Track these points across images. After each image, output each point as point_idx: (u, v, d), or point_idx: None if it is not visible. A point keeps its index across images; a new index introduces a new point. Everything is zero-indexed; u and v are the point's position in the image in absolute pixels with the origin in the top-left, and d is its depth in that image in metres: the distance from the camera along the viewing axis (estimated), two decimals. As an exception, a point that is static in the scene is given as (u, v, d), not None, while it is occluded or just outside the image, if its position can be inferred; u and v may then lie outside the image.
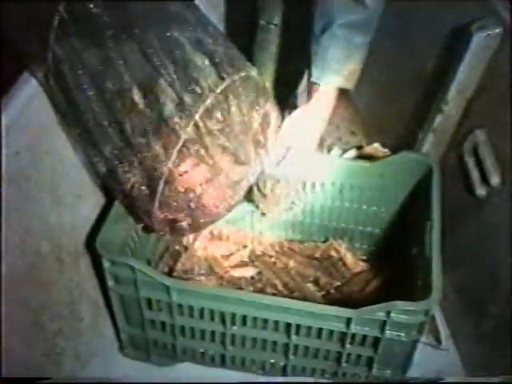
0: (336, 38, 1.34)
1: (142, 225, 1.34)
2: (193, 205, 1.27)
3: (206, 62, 1.21)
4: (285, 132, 1.40)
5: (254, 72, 1.28)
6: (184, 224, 1.30)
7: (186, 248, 1.67)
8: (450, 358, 1.55)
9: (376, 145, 1.92)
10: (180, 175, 1.21)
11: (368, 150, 1.93)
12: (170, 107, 1.17)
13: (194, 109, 1.17)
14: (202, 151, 1.20)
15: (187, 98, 1.17)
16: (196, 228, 1.35)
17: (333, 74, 1.37)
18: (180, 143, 1.18)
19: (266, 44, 1.75)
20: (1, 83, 1.20)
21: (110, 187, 1.32)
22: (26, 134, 1.15)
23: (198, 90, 1.18)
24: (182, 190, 1.24)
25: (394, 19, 1.69)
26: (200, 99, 1.18)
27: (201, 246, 1.66)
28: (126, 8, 1.19)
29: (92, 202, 1.41)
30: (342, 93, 1.43)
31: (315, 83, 1.39)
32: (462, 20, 1.47)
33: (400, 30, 1.43)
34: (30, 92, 1.17)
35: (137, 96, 1.18)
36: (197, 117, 1.17)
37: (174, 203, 1.25)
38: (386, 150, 1.88)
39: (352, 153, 1.96)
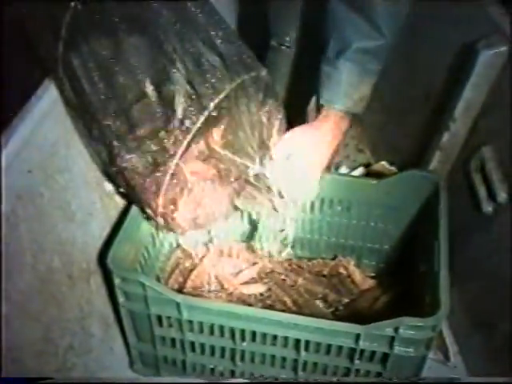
0: (351, 62, 1.34)
1: (145, 216, 1.38)
2: (197, 200, 1.28)
3: (218, 60, 1.22)
4: (289, 150, 1.40)
5: (264, 72, 1.30)
6: (187, 219, 1.32)
7: (195, 265, 1.67)
8: (459, 375, 1.55)
9: (383, 162, 1.94)
10: (188, 169, 1.24)
11: (376, 167, 1.96)
12: (181, 102, 1.19)
13: (204, 105, 1.19)
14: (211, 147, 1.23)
15: (198, 95, 1.19)
16: (199, 225, 1.37)
17: (344, 97, 1.37)
18: (189, 138, 1.19)
19: (276, 65, 1.76)
20: (13, 103, 1.22)
21: (115, 180, 1.35)
22: (39, 152, 1.17)
23: (209, 88, 1.19)
24: (188, 185, 1.27)
25: (401, 37, 1.71)
26: (211, 96, 1.19)
27: (210, 263, 1.67)
28: (141, 2, 1.20)
29: (102, 219, 1.43)
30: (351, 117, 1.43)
31: (324, 106, 1.39)
32: (469, 38, 1.49)
33: (407, 48, 1.45)
34: (42, 111, 1.19)
35: (148, 89, 1.20)
36: (206, 113, 1.19)
37: (179, 198, 1.27)
38: (393, 168, 1.90)
39: (360, 170, 1.98)
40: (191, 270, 1.66)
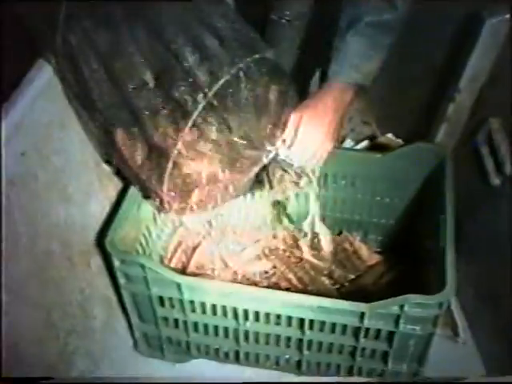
0: (361, 36, 1.31)
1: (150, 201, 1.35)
2: (202, 185, 1.27)
3: (217, 44, 1.20)
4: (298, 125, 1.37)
5: (269, 53, 1.27)
6: (192, 203, 1.30)
7: (198, 244, 1.65)
8: (469, 351, 1.53)
9: (389, 135, 1.91)
10: (189, 156, 1.22)
11: (381, 140, 1.92)
12: (181, 87, 1.17)
13: (205, 90, 1.17)
14: (213, 131, 1.21)
15: (199, 79, 1.17)
16: (205, 207, 1.35)
17: (352, 69, 1.34)
18: (190, 122, 1.18)
19: (276, 39, 1.72)
20: (5, 84, 1.19)
21: (118, 167, 1.34)
22: (32, 134, 1.15)
23: (210, 72, 1.18)
24: (191, 170, 1.24)
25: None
26: (212, 80, 1.17)
27: (214, 241, 1.65)
28: None
29: (101, 200, 1.41)
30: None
31: (332, 77, 1.36)
32: (473, 6, 1.45)
33: (411, 19, 1.41)
34: (35, 92, 1.16)
35: (147, 76, 1.18)
36: (210, 95, 1.17)
37: (182, 183, 1.25)
38: (399, 140, 1.87)
39: (365, 143, 1.95)
40: (194, 249, 1.64)
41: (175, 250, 1.64)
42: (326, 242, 1.65)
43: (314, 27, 1.71)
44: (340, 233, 1.73)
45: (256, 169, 1.35)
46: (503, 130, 1.41)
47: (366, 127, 2.10)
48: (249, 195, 1.53)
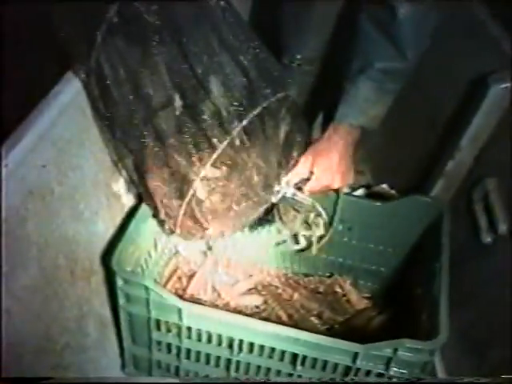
0: (371, 80, 1.35)
1: (164, 226, 1.39)
2: (216, 215, 1.31)
3: (242, 76, 1.25)
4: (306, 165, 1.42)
5: (291, 92, 1.33)
6: (205, 231, 1.34)
7: (193, 273, 1.68)
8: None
9: (384, 185, 1.95)
10: (208, 186, 1.27)
11: (376, 189, 1.97)
12: (207, 119, 1.22)
13: (231, 125, 1.22)
14: (235, 166, 1.26)
15: (226, 114, 1.22)
16: (214, 236, 1.40)
17: (359, 113, 1.38)
18: (215, 155, 1.22)
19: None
20: (31, 99, 1.22)
21: (137, 188, 1.39)
22: (54, 147, 1.17)
23: (237, 109, 1.22)
24: (208, 200, 1.29)
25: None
26: (238, 118, 1.22)
27: (208, 271, 1.67)
28: (176, 17, 1.22)
29: (108, 219, 1.43)
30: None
31: (340, 119, 1.40)
32: (480, 70, 1.51)
33: (417, 76, 1.46)
34: (61, 106, 1.19)
35: (177, 103, 1.23)
36: (234, 133, 1.22)
37: (198, 210, 1.28)
38: (393, 192, 1.91)
39: (360, 191, 1.99)
40: (190, 277, 1.66)
41: (170, 277, 1.66)
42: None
43: (323, 73, 1.77)
44: (331, 275, 1.76)
45: (265, 206, 1.40)
46: (498, 191, 1.46)
47: (360, 176, 2.15)
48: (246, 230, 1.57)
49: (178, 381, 1.51)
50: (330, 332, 1.61)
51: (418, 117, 1.83)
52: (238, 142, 1.25)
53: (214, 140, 1.22)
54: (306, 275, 1.76)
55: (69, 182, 1.24)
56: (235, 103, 1.23)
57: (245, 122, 1.23)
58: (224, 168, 1.28)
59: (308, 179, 1.43)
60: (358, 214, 1.62)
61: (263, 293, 1.68)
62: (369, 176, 2.13)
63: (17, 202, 1.07)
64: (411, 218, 1.59)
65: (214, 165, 1.24)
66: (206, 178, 1.26)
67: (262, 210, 1.41)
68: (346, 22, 1.54)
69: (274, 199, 1.40)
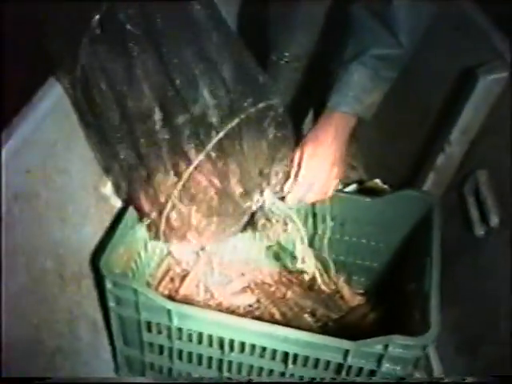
0: (365, 67, 1.33)
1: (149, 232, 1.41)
2: (197, 226, 1.32)
3: (223, 91, 1.24)
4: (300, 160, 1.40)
5: (275, 100, 1.31)
6: (189, 239, 1.35)
7: (185, 273, 1.67)
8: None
9: (377, 180, 1.94)
10: (187, 198, 1.27)
11: (368, 184, 1.96)
12: (185, 132, 1.22)
13: (207, 139, 1.22)
14: (211, 179, 1.26)
15: (202, 127, 1.22)
16: (200, 243, 1.44)
17: (354, 100, 1.35)
18: (191, 168, 1.23)
19: (275, 80, 1.76)
20: (13, 102, 1.22)
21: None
22: (38, 151, 1.17)
23: (213, 121, 1.23)
24: (188, 212, 1.29)
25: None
26: (214, 130, 1.22)
27: (200, 271, 1.67)
28: (157, 26, 1.21)
29: (96, 223, 1.42)
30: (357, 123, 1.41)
31: (333, 107, 1.37)
32: (469, 63, 1.51)
33: (406, 69, 1.45)
34: (44, 110, 1.18)
35: (156, 116, 1.23)
36: (209, 147, 1.22)
37: (180, 221, 1.29)
38: (386, 186, 1.91)
39: (353, 187, 1.99)
40: (183, 277, 1.66)
41: (162, 278, 1.66)
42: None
43: (311, 69, 1.76)
44: (325, 272, 1.75)
45: (246, 216, 1.41)
46: (490, 183, 1.46)
47: (353, 172, 2.15)
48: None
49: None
50: (324, 329, 1.61)
51: (408, 111, 1.83)
52: (213, 154, 1.24)
53: (191, 153, 1.23)
54: (300, 272, 1.75)
55: (55, 186, 1.24)
56: (213, 118, 1.23)
57: (221, 134, 1.23)
58: (201, 182, 1.28)
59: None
60: (350, 210, 1.61)
61: (256, 291, 1.68)
62: (361, 171, 2.13)
63: (3, 208, 1.06)
64: (403, 212, 1.58)
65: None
66: (185, 190, 1.27)
67: (243, 219, 1.41)
68: (335, 17, 1.53)
69: (254, 208, 1.40)
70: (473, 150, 1.56)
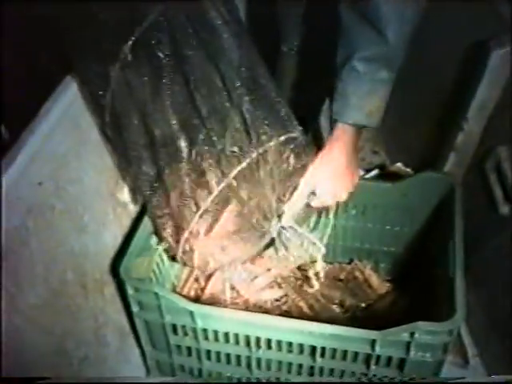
0: (355, 72, 1.26)
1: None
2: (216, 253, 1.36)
3: (247, 123, 1.25)
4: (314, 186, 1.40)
5: (296, 133, 1.31)
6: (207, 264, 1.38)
7: (211, 273, 1.66)
8: (478, 378, 1.53)
9: (399, 164, 1.92)
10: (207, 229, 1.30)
11: (391, 169, 1.94)
12: (207, 162, 1.25)
13: (227, 169, 1.24)
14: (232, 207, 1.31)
15: (224, 158, 1.24)
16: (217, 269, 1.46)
17: (353, 110, 1.29)
18: (211, 198, 1.25)
19: (286, 70, 1.75)
20: (22, 114, 1.22)
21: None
22: (49, 163, 1.17)
23: (235, 152, 1.24)
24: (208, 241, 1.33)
25: (413, 39, 1.69)
26: (235, 161, 1.25)
27: (226, 270, 1.66)
28: (187, 55, 1.23)
29: (115, 229, 1.42)
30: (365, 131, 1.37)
31: (336, 119, 1.32)
32: (480, 37, 1.47)
33: (418, 49, 1.42)
34: (52, 122, 1.18)
35: (182, 143, 1.26)
36: (230, 178, 1.24)
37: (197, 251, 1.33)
38: (408, 170, 1.88)
39: (375, 172, 1.96)
40: (208, 277, 1.65)
41: (187, 279, 1.65)
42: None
43: (320, 58, 1.74)
44: (351, 261, 1.74)
45: (264, 241, 1.42)
46: (511, 158, 1.42)
47: (375, 157, 2.12)
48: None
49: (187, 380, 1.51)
50: (353, 319, 1.59)
51: (424, 92, 1.80)
52: (234, 183, 1.26)
53: (212, 182, 1.25)
54: (326, 263, 1.73)
55: (69, 196, 1.24)
56: (234, 145, 1.24)
57: (239, 168, 1.24)
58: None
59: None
60: (371, 197, 1.60)
61: (283, 285, 1.66)
62: (383, 156, 2.11)
63: (16, 222, 1.06)
64: (424, 195, 1.56)
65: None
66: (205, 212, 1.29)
67: (262, 244, 1.42)
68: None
69: (273, 233, 1.41)
70: (491, 125, 1.53)
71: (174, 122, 1.24)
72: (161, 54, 1.21)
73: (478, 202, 1.51)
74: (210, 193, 1.25)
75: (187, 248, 1.33)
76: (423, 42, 1.52)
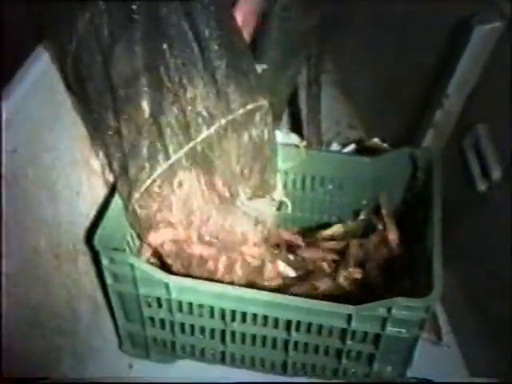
0: None
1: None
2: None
3: (214, 91, 1.26)
4: None
5: (263, 101, 1.33)
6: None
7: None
8: (452, 354, 1.54)
9: (376, 139, 1.91)
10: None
11: (368, 144, 1.93)
12: (169, 128, 1.25)
13: (192, 136, 1.26)
14: (192, 177, 1.31)
15: (188, 120, 1.25)
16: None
17: None
18: (169, 163, 1.27)
19: (275, 31, 1.73)
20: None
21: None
22: (24, 130, 1.14)
23: (201, 118, 1.26)
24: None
25: (394, 13, 1.68)
26: (201, 126, 1.26)
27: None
28: (159, 12, 1.21)
29: (89, 199, 1.40)
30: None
31: None
32: (463, 13, 1.46)
33: (400, 24, 1.41)
34: (26, 89, 1.15)
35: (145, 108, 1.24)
36: (198, 140, 1.26)
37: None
38: (385, 145, 1.88)
39: (352, 147, 1.95)
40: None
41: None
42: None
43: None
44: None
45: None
46: (490, 136, 1.42)
47: (352, 131, 2.11)
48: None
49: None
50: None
51: (404, 67, 1.78)
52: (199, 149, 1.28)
53: (170, 148, 1.26)
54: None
55: (44, 164, 1.22)
56: (202, 113, 1.25)
57: (207, 133, 1.26)
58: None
59: None
60: (348, 171, 1.58)
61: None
62: (360, 131, 2.09)
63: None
64: (402, 171, 1.55)
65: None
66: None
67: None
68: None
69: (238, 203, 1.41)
70: (472, 103, 1.52)
71: (143, 78, 1.23)
72: (134, 6, 1.20)
73: (455, 179, 1.50)
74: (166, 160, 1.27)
75: (136, 208, 1.33)
76: (405, 17, 1.51)
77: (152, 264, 1.45)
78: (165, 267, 1.41)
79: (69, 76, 1.26)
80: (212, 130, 1.25)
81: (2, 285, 1.07)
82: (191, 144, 1.26)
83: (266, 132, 1.37)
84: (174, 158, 1.26)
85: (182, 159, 1.27)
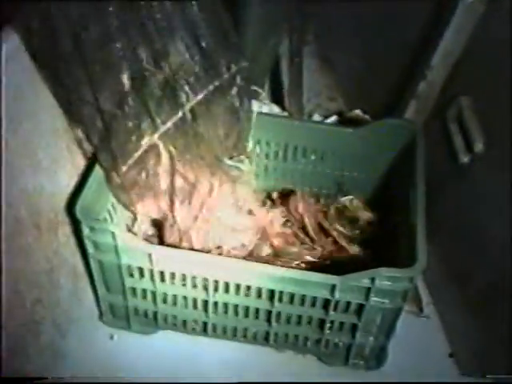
0: None
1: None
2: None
3: (197, 51, 1.25)
4: None
5: (244, 63, 1.35)
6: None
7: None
8: (432, 326, 1.56)
9: (357, 111, 1.90)
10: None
11: (349, 115, 1.92)
12: (154, 99, 1.24)
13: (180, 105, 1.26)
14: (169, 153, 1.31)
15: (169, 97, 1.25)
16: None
17: None
18: (157, 134, 1.28)
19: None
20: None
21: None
22: (2, 97, 1.11)
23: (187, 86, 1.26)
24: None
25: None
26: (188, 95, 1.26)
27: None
28: None
29: (70, 167, 1.37)
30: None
31: None
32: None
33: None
34: (4, 55, 1.12)
35: (126, 82, 1.23)
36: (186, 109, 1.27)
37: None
38: (367, 117, 1.87)
39: (333, 119, 1.94)
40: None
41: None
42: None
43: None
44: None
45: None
46: (473, 109, 1.42)
47: (332, 103, 2.10)
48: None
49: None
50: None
51: (388, 38, 1.77)
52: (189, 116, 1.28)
53: (157, 120, 1.25)
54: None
55: (23, 132, 1.18)
56: (190, 79, 1.25)
57: (195, 100, 1.26)
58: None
59: None
60: (330, 142, 1.58)
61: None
62: (341, 102, 2.08)
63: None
64: (385, 142, 1.55)
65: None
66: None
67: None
68: None
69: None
70: (455, 74, 1.52)
71: (119, 44, 1.21)
72: None
73: (438, 151, 1.50)
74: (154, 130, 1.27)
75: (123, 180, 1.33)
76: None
77: (151, 236, 1.48)
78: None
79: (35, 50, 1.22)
80: (200, 96, 1.23)
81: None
82: (180, 113, 1.23)
83: (244, 94, 1.38)
84: (162, 128, 1.24)
85: (169, 130, 1.26)
